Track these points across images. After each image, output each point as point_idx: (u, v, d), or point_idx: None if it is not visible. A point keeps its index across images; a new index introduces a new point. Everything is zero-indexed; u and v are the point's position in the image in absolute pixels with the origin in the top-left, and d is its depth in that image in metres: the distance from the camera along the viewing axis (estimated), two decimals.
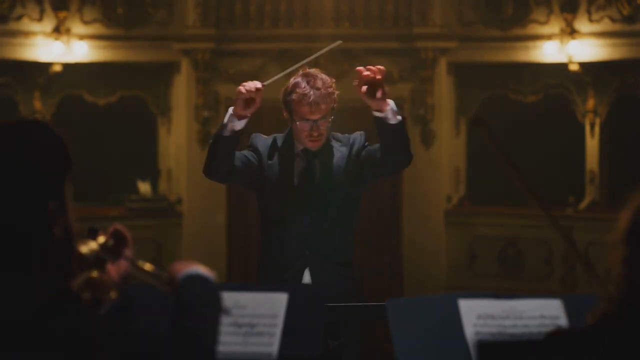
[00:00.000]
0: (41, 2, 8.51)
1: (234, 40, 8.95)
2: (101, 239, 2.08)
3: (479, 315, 2.70)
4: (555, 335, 1.66)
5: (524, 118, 8.88)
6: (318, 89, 3.71)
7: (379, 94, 3.59)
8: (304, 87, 3.71)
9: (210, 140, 3.75)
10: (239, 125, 3.64)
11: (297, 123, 3.72)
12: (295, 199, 3.77)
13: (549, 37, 8.65)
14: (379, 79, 3.56)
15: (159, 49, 8.93)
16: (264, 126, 9.06)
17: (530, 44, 8.77)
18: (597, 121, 8.65)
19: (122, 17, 8.80)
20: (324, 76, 3.78)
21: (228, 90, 9.03)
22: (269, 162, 3.79)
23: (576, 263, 8.56)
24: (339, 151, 3.81)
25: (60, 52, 8.50)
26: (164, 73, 9.05)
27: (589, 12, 8.53)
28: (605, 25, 8.46)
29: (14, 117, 7.53)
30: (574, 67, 8.57)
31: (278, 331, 2.67)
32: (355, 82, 3.58)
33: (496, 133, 1.94)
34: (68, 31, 8.56)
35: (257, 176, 3.79)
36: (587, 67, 8.55)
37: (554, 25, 8.65)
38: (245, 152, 3.80)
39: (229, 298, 2.71)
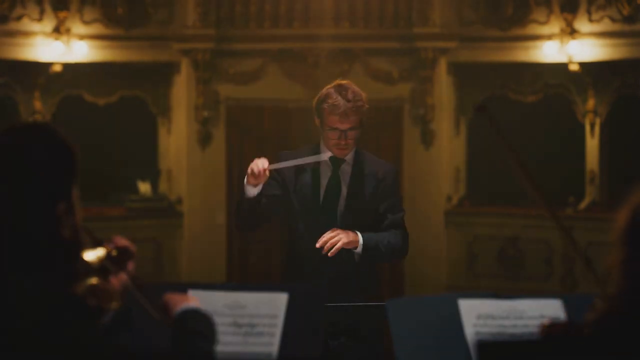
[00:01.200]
0: (41, 2, 8.51)
1: (234, 40, 8.95)
2: (106, 248, 2.09)
3: (479, 315, 2.70)
4: (553, 329, 1.66)
5: (524, 118, 8.87)
6: (349, 100, 3.86)
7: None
8: (336, 98, 3.86)
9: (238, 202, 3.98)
10: (253, 192, 3.81)
11: (327, 131, 3.88)
12: (318, 207, 3.94)
13: (549, 37, 8.65)
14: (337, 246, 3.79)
15: (159, 49, 8.93)
16: (264, 125, 9.12)
17: (530, 44, 8.77)
18: (597, 121, 8.65)
19: (122, 17, 8.80)
20: (356, 89, 3.93)
21: (228, 90, 9.04)
22: (296, 179, 3.96)
23: (575, 260, 8.56)
24: (370, 170, 3.99)
25: (60, 52, 8.50)
26: (164, 73, 9.05)
27: (589, 12, 8.53)
28: (605, 25, 8.46)
29: (14, 117, 7.47)
30: (574, 67, 8.57)
31: (278, 331, 2.67)
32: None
33: (493, 135, 1.94)
34: (68, 31, 8.57)
35: (285, 200, 3.97)
36: (587, 67, 8.55)
37: (554, 25, 8.65)
38: (267, 190, 3.93)
39: (229, 298, 2.71)
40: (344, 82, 3.95)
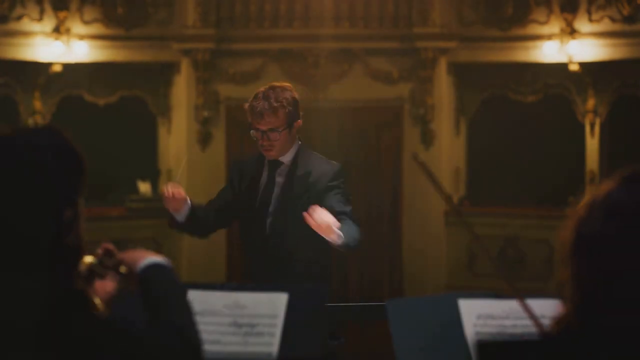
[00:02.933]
0: (41, 2, 8.51)
1: (234, 40, 8.95)
2: (94, 255, 2.09)
3: (479, 315, 2.70)
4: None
5: (524, 118, 8.88)
6: (268, 100, 3.92)
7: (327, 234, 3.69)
8: (256, 99, 3.95)
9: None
10: (181, 217, 3.96)
11: (251, 131, 3.99)
12: (258, 202, 4.01)
13: (549, 37, 8.65)
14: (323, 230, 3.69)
15: (159, 49, 8.93)
16: None
17: (530, 44, 8.77)
18: (597, 121, 8.65)
19: (122, 17, 8.80)
20: (284, 91, 3.96)
21: (228, 90, 9.03)
22: (241, 181, 4.07)
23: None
24: (305, 172, 3.99)
25: (60, 52, 8.50)
26: (164, 73, 9.05)
27: (589, 12, 8.53)
28: (605, 25, 8.46)
29: (14, 117, 7.47)
30: (574, 67, 8.57)
31: (278, 331, 2.67)
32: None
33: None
34: (68, 31, 8.57)
35: (236, 200, 4.08)
36: (587, 67, 8.55)
37: (554, 25, 8.65)
38: (221, 195, 4.14)
39: (229, 298, 2.71)
40: (277, 84, 4.01)
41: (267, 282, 3.83)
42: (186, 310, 2.01)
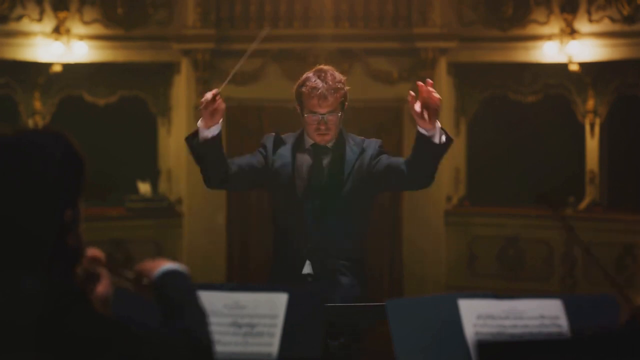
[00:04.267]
0: (41, 3, 8.51)
1: (234, 40, 8.95)
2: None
3: (479, 315, 2.70)
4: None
5: (524, 118, 8.88)
6: (327, 82, 3.80)
7: (432, 117, 3.59)
8: (315, 81, 3.81)
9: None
10: (211, 132, 3.69)
11: (306, 116, 3.82)
12: (300, 193, 3.85)
13: (549, 37, 8.66)
14: (435, 104, 3.57)
15: (159, 49, 8.92)
16: (264, 125, 9.12)
17: (530, 44, 8.77)
18: (597, 121, 8.65)
19: (122, 17, 8.80)
20: (335, 72, 3.87)
21: (228, 90, 8.97)
22: (275, 159, 3.88)
23: (576, 260, 8.55)
24: (352, 151, 3.89)
25: (60, 52, 8.50)
26: (164, 73, 9.05)
27: (589, 12, 8.53)
28: (605, 25, 8.46)
29: (14, 117, 7.47)
30: (574, 67, 8.57)
31: (278, 331, 2.67)
32: (410, 97, 3.57)
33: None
34: (68, 31, 8.57)
35: (264, 175, 3.87)
36: (587, 67, 8.55)
37: (554, 26, 8.65)
38: (249, 156, 3.88)
39: (229, 298, 2.71)
40: (324, 66, 3.90)
41: (301, 271, 3.75)
42: (199, 315, 2.02)
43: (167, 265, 2.10)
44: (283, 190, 3.86)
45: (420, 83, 3.56)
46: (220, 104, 3.67)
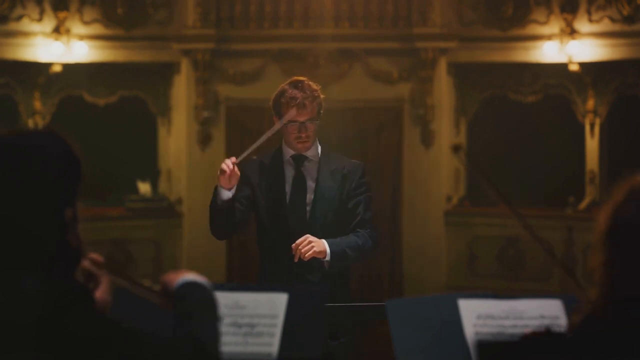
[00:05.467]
0: (41, 3, 8.51)
1: (234, 40, 8.95)
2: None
3: (479, 315, 2.70)
4: (535, 336, 1.66)
5: (524, 118, 8.88)
6: (305, 91, 3.95)
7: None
8: (292, 91, 3.95)
9: (209, 207, 4.02)
10: (227, 195, 3.88)
11: (287, 125, 3.95)
12: (285, 205, 3.99)
13: (549, 37, 8.65)
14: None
15: (159, 49, 8.92)
16: (264, 125, 9.09)
17: (530, 44, 8.77)
18: (597, 121, 8.65)
19: (122, 17, 8.80)
20: (310, 82, 4.03)
21: (228, 90, 9.03)
22: (260, 182, 4.03)
23: (576, 260, 8.55)
24: (335, 169, 4.03)
25: (60, 52, 8.50)
26: (164, 73, 9.05)
27: (589, 12, 8.53)
28: (605, 25, 8.46)
29: (14, 117, 7.46)
30: (574, 67, 8.57)
31: (278, 331, 2.67)
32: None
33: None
34: (68, 31, 8.56)
35: (252, 201, 4.04)
36: (587, 67, 8.55)
37: (554, 25, 8.65)
38: (240, 196, 3.99)
39: (229, 298, 2.71)
40: (299, 77, 4.04)
41: (291, 279, 3.84)
42: (212, 326, 2.03)
43: (189, 276, 2.11)
44: (271, 204, 4.00)
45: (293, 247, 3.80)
46: (236, 171, 3.83)
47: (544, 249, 2.16)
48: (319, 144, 4.06)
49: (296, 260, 3.78)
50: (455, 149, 1.98)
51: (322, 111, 4.00)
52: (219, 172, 3.81)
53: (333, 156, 4.07)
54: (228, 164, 3.80)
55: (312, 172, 4.01)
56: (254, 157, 4.08)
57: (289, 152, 4.03)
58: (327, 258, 3.84)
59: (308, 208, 3.97)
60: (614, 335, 1.54)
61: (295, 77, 4.05)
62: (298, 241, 3.79)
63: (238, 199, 3.94)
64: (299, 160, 4.02)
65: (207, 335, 1.99)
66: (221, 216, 3.94)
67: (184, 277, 2.10)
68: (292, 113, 3.91)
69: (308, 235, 3.80)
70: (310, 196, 3.98)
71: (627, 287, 1.59)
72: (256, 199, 4.01)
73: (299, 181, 4.01)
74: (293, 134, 3.95)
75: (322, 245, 3.81)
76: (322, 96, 4.00)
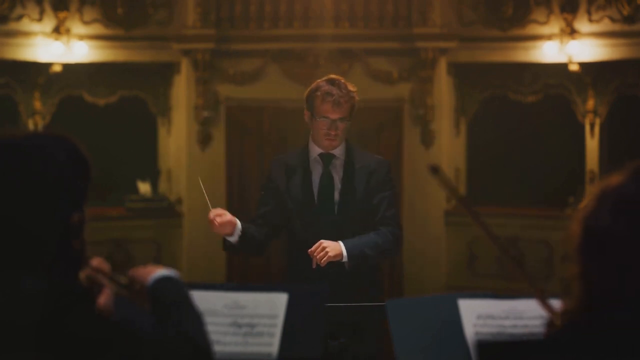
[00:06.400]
0: (41, 2, 8.51)
1: (234, 40, 8.95)
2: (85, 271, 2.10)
3: (479, 315, 2.70)
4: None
5: (524, 118, 8.88)
6: (341, 90, 3.96)
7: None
8: (328, 87, 3.97)
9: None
10: (232, 239, 3.95)
11: (318, 120, 3.94)
12: (314, 204, 4.00)
13: (549, 37, 8.65)
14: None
15: (159, 49, 8.92)
16: (264, 125, 9.12)
17: (530, 44, 8.77)
18: (597, 121, 8.65)
19: (122, 17, 8.79)
20: (347, 82, 4.06)
21: (228, 90, 9.03)
22: (287, 181, 4.02)
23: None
24: (361, 166, 4.04)
25: (60, 52, 8.49)
26: (163, 73, 9.05)
27: (589, 12, 8.53)
28: (605, 25, 8.46)
29: (14, 117, 7.46)
30: (574, 67, 8.57)
31: (278, 331, 2.67)
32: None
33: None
34: (68, 31, 8.56)
35: (281, 205, 4.05)
36: (587, 67, 8.54)
37: (554, 25, 8.65)
38: (264, 201, 4.05)
39: (229, 298, 2.71)
40: (335, 76, 4.06)
41: (317, 278, 3.84)
42: (196, 317, 2.03)
43: (161, 271, 2.10)
44: (300, 205, 4.00)
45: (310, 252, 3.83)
46: (225, 220, 3.88)
47: (511, 259, 2.15)
48: (346, 140, 4.07)
49: (314, 267, 3.78)
50: (434, 170, 1.97)
51: (354, 113, 4.00)
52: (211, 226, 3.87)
53: (358, 153, 4.08)
54: (211, 217, 3.87)
55: (339, 170, 4.01)
56: (280, 156, 4.11)
57: (316, 151, 4.02)
58: (345, 260, 3.83)
59: (336, 206, 3.98)
60: (613, 335, 1.54)
61: (332, 75, 4.06)
62: (313, 248, 3.79)
63: (255, 220, 3.99)
64: (327, 158, 4.01)
65: (199, 332, 1.99)
66: (240, 251, 4.00)
67: (157, 273, 2.09)
68: (325, 108, 3.92)
69: (322, 240, 3.80)
70: (337, 194, 3.98)
71: (606, 296, 1.58)
72: (283, 202, 4.01)
73: (327, 180, 4.00)
74: (322, 130, 3.94)
75: (337, 248, 3.81)
76: (357, 98, 4.01)
